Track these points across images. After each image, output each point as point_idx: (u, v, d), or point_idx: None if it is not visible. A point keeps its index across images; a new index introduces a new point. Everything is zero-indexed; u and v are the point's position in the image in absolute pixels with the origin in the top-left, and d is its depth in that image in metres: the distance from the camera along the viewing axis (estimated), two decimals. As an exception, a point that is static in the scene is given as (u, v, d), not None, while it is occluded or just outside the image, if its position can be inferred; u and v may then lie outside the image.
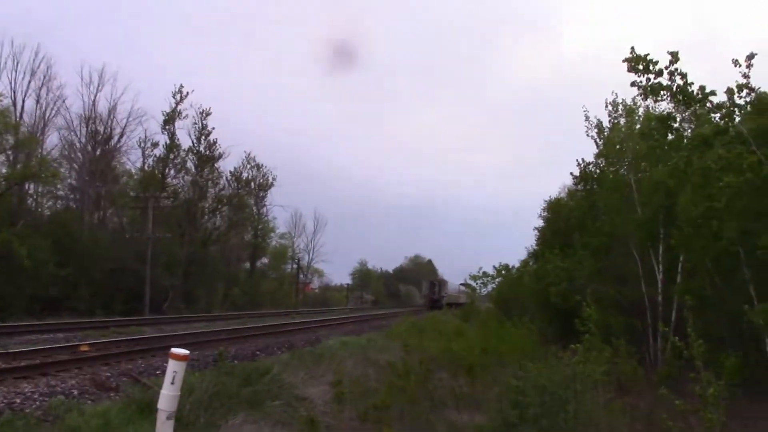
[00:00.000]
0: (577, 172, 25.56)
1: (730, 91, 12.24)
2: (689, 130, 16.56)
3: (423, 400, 10.11)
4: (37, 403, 8.82)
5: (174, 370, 6.98)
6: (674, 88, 12.62)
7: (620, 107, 25.33)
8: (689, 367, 8.03)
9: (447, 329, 26.47)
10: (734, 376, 12.94)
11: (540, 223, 34.36)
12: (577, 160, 25.27)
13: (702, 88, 12.39)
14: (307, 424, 7.34)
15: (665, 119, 14.12)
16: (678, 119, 15.59)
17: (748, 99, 12.43)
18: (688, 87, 12.49)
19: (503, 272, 33.31)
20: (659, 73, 12.71)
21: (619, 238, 20.74)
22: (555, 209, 31.60)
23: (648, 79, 12.88)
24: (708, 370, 7.04)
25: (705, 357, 7.45)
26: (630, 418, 9.61)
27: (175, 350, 7.18)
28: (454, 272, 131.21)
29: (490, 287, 39.21)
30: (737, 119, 12.66)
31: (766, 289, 13.27)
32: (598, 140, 26.43)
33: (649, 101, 22.46)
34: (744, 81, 12.11)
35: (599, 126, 26.24)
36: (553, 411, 7.11)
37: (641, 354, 17.38)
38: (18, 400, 9.08)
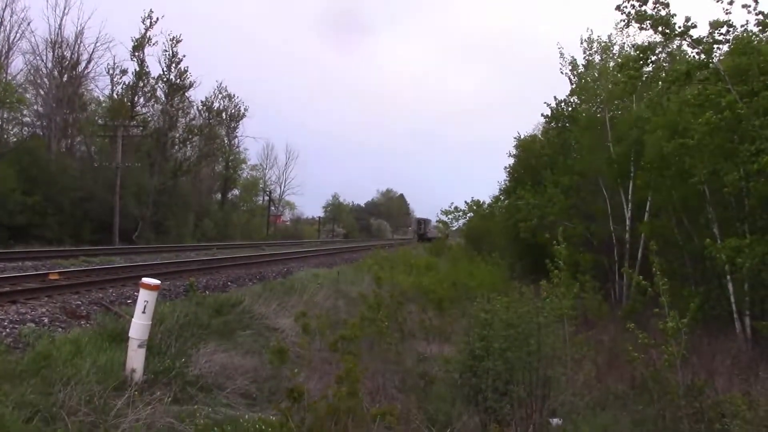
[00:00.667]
0: (549, 111, 25.58)
1: (713, 25, 12.30)
2: (666, 67, 16.66)
3: (393, 331, 10.31)
4: (7, 330, 8.79)
5: (145, 299, 7.01)
6: (657, 17, 12.70)
7: (595, 45, 25.21)
8: (653, 303, 8.24)
9: (418, 264, 26.76)
10: (696, 313, 13.37)
11: (511, 161, 34.42)
12: (545, 102, 25.28)
13: (687, 18, 12.47)
14: (277, 354, 7.44)
15: (645, 49, 14.11)
16: (656, 55, 15.64)
17: (728, 36, 12.54)
18: (671, 19, 12.56)
19: (474, 208, 33.49)
20: (644, 1, 12.75)
21: (589, 177, 20.94)
22: (527, 146, 31.59)
23: (633, 6, 12.93)
24: (672, 307, 7.23)
25: (669, 294, 7.65)
26: (594, 351, 9.91)
27: (146, 280, 7.20)
28: (426, 207, 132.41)
29: (461, 222, 39.42)
30: (715, 58, 12.76)
31: (730, 229, 13.59)
32: (572, 78, 26.34)
33: (625, 38, 22.48)
34: (726, 17, 12.21)
35: (573, 63, 26.10)
36: (517, 344, 7.28)
37: (607, 290, 17.83)
38: (-13, 328, 9.05)
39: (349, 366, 5.56)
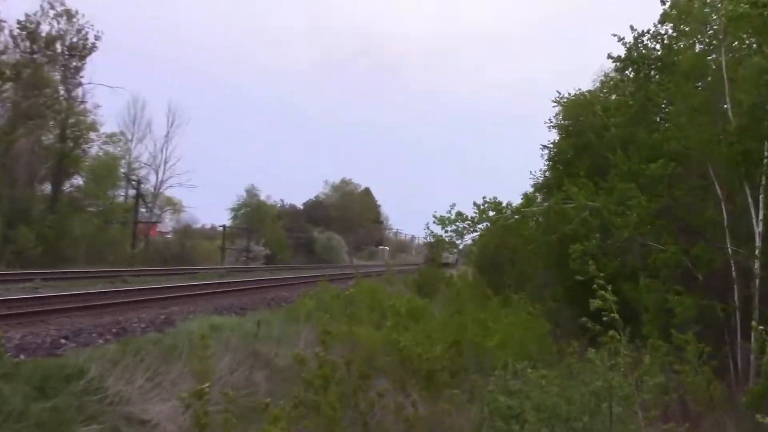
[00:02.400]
0: (622, 51, 25.56)
1: None
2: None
3: (349, 426, 10.22)
4: None
5: None
6: None
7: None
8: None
9: (396, 308, 26.52)
10: None
11: (551, 137, 34.44)
12: (615, 35, 25.10)
13: None
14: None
15: None
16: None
17: None
18: None
19: (490, 215, 33.07)
20: None
21: (692, 163, 20.88)
22: (579, 111, 31.28)
23: None
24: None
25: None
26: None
27: None
28: (405, 212, 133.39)
29: (468, 239, 39.35)
30: None
31: None
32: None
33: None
34: None
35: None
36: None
37: (722, 357, 17.80)
38: None
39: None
